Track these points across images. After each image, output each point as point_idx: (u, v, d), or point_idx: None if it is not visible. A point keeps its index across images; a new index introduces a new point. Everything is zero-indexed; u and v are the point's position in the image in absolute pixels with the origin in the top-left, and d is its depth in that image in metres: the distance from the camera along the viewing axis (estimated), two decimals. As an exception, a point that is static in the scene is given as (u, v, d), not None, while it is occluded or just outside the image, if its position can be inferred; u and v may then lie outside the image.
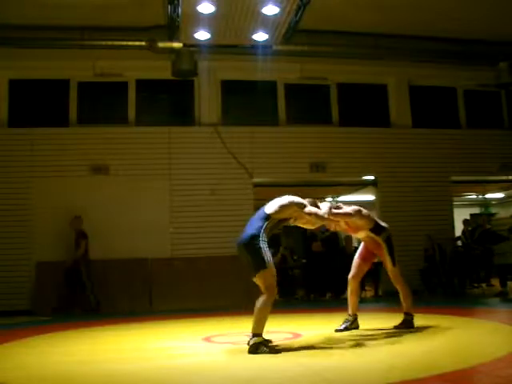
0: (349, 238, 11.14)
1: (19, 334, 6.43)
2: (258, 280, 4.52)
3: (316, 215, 4.91)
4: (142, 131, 10.91)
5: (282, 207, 4.77)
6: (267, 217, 4.69)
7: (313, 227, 5.33)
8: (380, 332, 5.33)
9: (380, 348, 4.54)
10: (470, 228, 11.73)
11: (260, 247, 4.50)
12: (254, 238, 4.54)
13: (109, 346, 5.26)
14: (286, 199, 4.86)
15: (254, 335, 4.35)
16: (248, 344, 4.40)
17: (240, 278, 10.00)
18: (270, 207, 4.77)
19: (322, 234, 10.92)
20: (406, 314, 5.51)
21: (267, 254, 4.52)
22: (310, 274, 11.02)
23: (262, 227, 4.61)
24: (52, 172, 10.31)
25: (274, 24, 9.60)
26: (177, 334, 6.09)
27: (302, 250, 11.97)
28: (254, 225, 4.66)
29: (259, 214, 4.78)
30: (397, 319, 5.55)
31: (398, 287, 5.54)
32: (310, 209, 4.91)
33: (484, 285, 11.33)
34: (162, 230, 10.45)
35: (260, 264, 4.47)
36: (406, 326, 5.41)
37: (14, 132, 10.53)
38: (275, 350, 4.38)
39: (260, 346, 4.29)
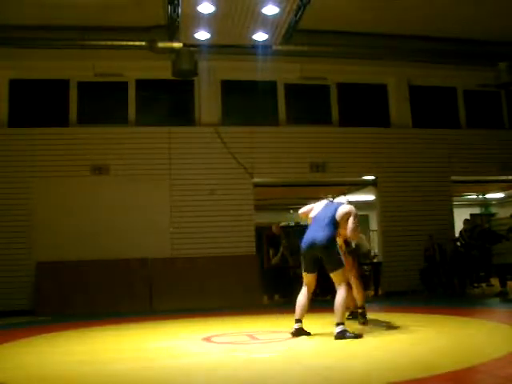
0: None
1: (19, 334, 6.43)
2: (334, 276, 5.13)
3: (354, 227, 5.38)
4: (142, 131, 10.91)
5: (346, 215, 5.29)
6: (336, 223, 5.25)
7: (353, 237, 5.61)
8: (380, 332, 5.34)
9: (380, 348, 4.54)
10: (469, 227, 11.70)
11: (338, 249, 5.18)
12: (333, 240, 5.17)
13: (109, 346, 5.26)
14: (346, 208, 5.34)
15: (339, 324, 4.89)
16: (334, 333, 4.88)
17: (240, 278, 10.09)
18: (336, 213, 5.27)
19: None
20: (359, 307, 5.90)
21: (341, 254, 5.20)
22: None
23: (334, 232, 5.21)
24: (52, 172, 10.31)
25: (274, 24, 9.59)
26: (177, 334, 6.09)
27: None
28: (327, 228, 5.19)
29: (328, 216, 5.27)
30: (397, 319, 5.55)
31: (351, 281, 5.90)
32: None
33: (484, 285, 11.34)
34: (162, 230, 10.45)
35: (339, 263, 5.13)
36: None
37: (13, 132, 10.53)
38: (358, 335, 4.91)
39: (345, 332, 4.83)
